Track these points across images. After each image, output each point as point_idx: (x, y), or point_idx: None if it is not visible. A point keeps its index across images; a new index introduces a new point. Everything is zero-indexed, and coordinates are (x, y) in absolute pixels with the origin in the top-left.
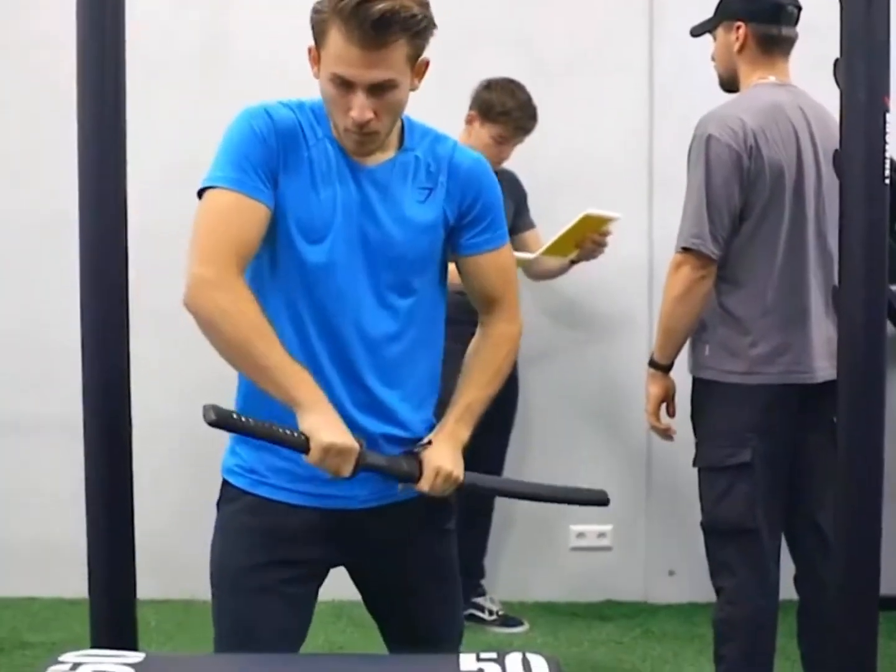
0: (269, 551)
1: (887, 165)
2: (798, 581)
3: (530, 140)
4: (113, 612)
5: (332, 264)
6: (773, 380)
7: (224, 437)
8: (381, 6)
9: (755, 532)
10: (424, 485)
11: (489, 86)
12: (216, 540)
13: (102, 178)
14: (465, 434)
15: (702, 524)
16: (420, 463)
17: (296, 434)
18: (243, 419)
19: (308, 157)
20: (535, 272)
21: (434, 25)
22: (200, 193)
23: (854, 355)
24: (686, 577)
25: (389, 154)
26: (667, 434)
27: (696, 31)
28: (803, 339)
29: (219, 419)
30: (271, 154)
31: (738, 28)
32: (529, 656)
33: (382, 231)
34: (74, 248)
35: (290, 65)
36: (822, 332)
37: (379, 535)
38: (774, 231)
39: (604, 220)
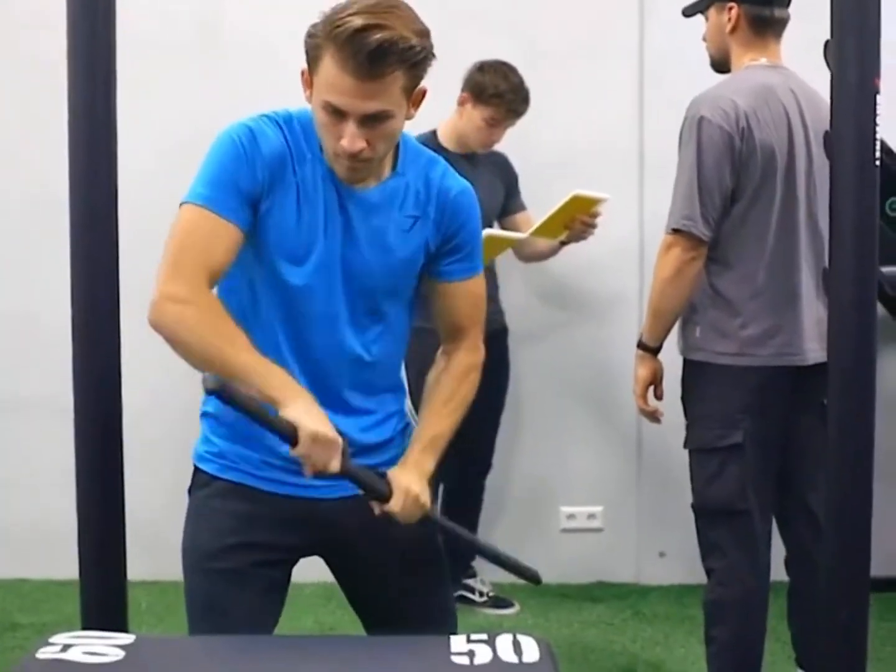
0: (239, 534)
1: (878, 147)
2: (789, 562)
3: (522, 123)
4: (103, 593)
5: (310, 287)
6: (763, 361)
7: None
8: (378, 36)
9: (746, 513)
10: (395, 505)
11: (482, 68)
12: (187, 524)
13: (93, 162)
14: (430, 465)
15: (693, 506)
16: (389, 484)
17: (285, 422)
18: (241, 393)
19: (295, 180)
20: (525, 254)
21: (433, 56)
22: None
23: (844, 337)
24: (677, 559)
25: (380, 178)
26: (654, 417)
27: (689, 12)
28: (794, 321)
29: (216, 387)
30: (254, 179)
31: (731, 9)
32: (520, 637)
33: (362, 257)
34: (66, 230)
35: (284, 49)
36: (813, 313)
37: (353, 524)
38: (765, 213)
39: (593, 201)
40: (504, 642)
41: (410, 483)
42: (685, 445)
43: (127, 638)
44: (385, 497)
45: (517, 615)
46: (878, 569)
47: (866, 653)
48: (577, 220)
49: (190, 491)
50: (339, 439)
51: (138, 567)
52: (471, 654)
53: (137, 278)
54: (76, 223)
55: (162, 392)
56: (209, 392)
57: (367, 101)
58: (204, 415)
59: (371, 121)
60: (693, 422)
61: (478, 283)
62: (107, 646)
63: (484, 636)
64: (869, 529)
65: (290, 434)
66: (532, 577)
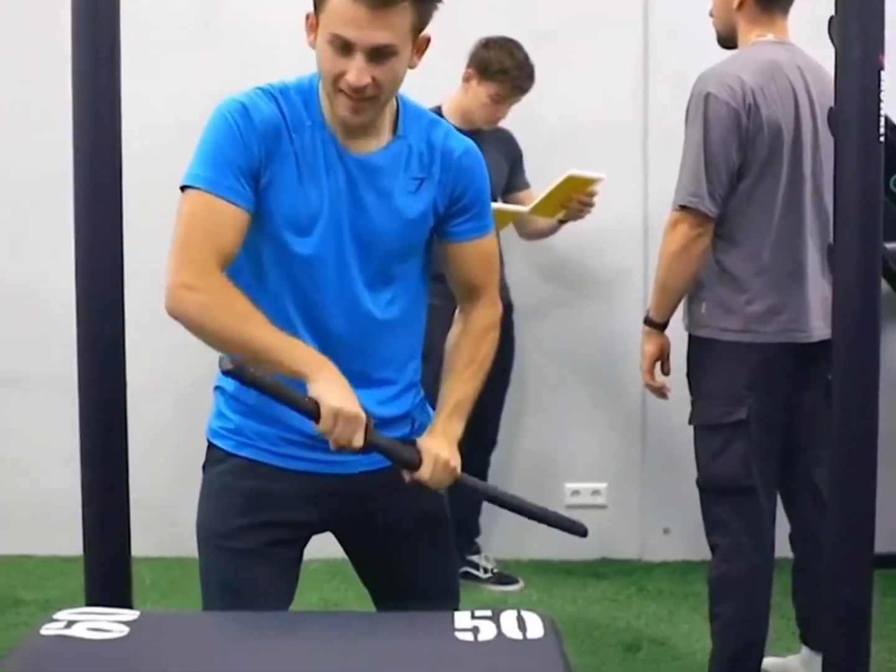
0: (254, 513)
1: (882, 123)
2: (793, 539)
3: (527, 99)
4: (108, 569)
5: (319, 256)
6: (769, 338)
7: None
8: None
9: (750, 490)
10: (425, 472)
11: (487, 44)
12: (202, 502)
13: (97, 139)
14: (457, 429)
15: (697, 482)
16: (418, 452)
17: (306, 399)
18: (258, 374)
19: (293, 149)
20: (526, 232)
21: (440, 0)
22: (183, 188)
23: (849, 313)
24: (681, 535)
25: (382, 142)
26: (661, 392)
27: None
28: (800, 298)
29: (234, 368)
30: (250, 154)
31: None
32: (524, 614)
33: (371, 222)
34: (70, 207)
35: (284, 28)
36: (819, 291)
37: (366, 499)
38: (771, 189)
39: (588, 181)
40: (508, 619)
41: (440, 450)
42: (690, 421)
43: (131, 614)
44: (415, 465)
45: (521, 591)
46: (881, 545)
47: (870, 629)
48: (573, 199)
49: (204, 467)
50: (362, 414)
51: (142, 543)
52: (475, 630)
53: (141, 256)
54: (80, 200)
55: (166, 370)
56: (226, 373)
57: (375, 31)
58: (218, 388)
59: (377, 56)
60: (698, 398)
61: (490, 242)
62: (111, 622)
63: (488, 612)
64: (873, 506)
65: (312, 411)
66: (578, 531)
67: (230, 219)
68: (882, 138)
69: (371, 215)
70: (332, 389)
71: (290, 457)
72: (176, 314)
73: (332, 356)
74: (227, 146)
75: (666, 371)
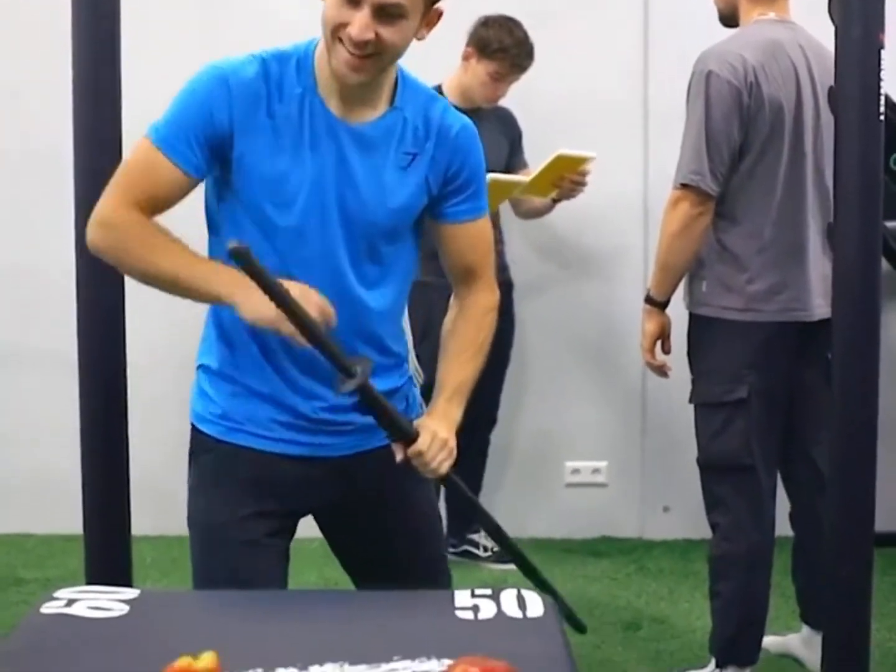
0: (251, 504)
1: (882, 102)
2: (793, 517)
3: (526, 78)
4: (108, 548)
5: (303, 227)
6: (770, 317)
7: None
8: None
9: (751, 468)
10: (422, 444)
11: (486, 23)
12: (194, 493)
13: (97, 114)
14: (457, 413)
15: (698, 460)
16: (415, 427)
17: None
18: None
19: (273, 118)
20: (522, 211)
21: None
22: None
23: (849, 292)
24: (681, 514)
25: (377, 112)
26: (662, 371)
27: None
28: (801, 277)
29: (239, 248)
30: (214, 124)
31: None
32: (524, 593)
33: (359, 195)
34: (71, 182)
35: (285, 4)
36: (820, 269)
37: (357, 481)
38: (773, 168)
39: (579, 160)
40: (508, 597)
41: (438, 429)
42: (690, 400)
43: (131, 592)
44: (412, 437)
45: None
46: (881, 524)
47: (870, 607)
48: (565, 178)
49: (191, 454)
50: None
51: (142, 522)
52: (475, 608)
53: None
54: (80, 178)
55: (165, 347)
56: (231, 254)
57: None
58: (201, 367)
59: (385, 14)
60: (699, 376)
61: (485, 224)
62: (111, 600)
63: (488, 591)
64: (873, 485)
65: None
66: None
67: (168, 177)
68: (882, 117)
69: (359, 188)
70: (248, 298)
71: (284, 441)
72: (92, 249)
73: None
74: (190, 111)
75: (666, 350)
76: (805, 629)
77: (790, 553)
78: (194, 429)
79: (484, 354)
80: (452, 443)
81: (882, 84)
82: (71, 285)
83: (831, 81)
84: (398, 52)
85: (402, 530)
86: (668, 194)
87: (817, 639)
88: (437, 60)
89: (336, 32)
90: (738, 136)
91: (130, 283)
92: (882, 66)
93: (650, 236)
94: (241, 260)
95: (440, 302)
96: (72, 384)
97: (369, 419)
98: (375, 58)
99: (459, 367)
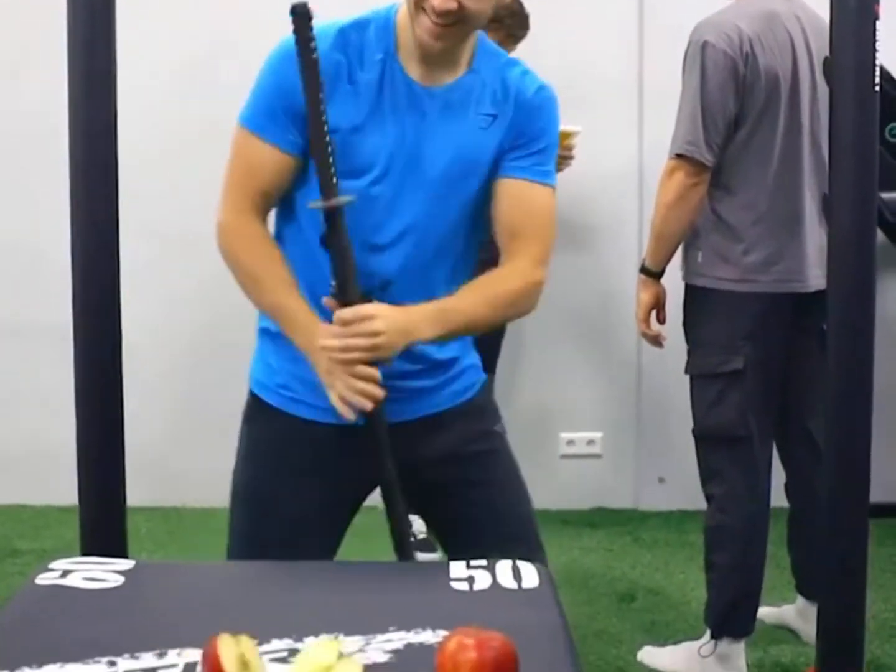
0: (309, 476)
1: (877, 73)
2: (789, 488)
3: (521, 51)
4: (103, 519)
5: (383, 191)
6: (766, 288)
7: (215, 345)
8: None
9: (746, 439)
10: (344, 314)
11: None
12: (245, 460)
13: (92, 85)
14: (424, 324)
15: (693, 431)
16: (365, 302)
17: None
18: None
19: (356, 85)
20: None
21: None
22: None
23: (844, 263)
24: (676, 485)
25: (456, 75)
26: (657, 341)
27: None
28: (797, 248)
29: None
30: (295, 98)
31: None
32: (519, 564)
33: (439, 157)
34: (66, 156)
35: None
36: (816, 240)
37: (417, 447)
38: (769, 139)
39: (565, 135)
40: (503, 568)
41: (384, 313)
42: (686, 371)
43: (126, 563)
44: (347, 301)
45: None
46: (877, 495)
47: (866, 579)
48: None
49: (247, 420)
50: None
51: (138, 493)
52: (470, 580)
53: (137, 206)
54: (76, 148)
55: (163, 320)
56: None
57: None
58: (263, 331)
59: None
60: (694, 347)
61: (545, 194)
62: (106, 571)
63: (483, 562)
64: (869, 455)
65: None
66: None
67: (270, 160)
68: (877, 88)
69: (439, 150)
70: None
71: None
72: (222, 255)
73: (384, 298)
74: (272, 90)
75: (661, 320)
76: (800, 600)
77: (785, 524)
78: (252, 394)
79: (494, 309)
80: (383, 339)
81: (877, 55)
82: (67, 257)
83: (827, 52)
84: (481, 19)
85: (471, 493)
86: (664, 165)
87: (813, 610)
88: None
89: (419, 2)
90: (733, 107)
91: (129, 256)
92: (878, 38)
93: (645, 208)
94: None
95: None
96: (68, 356)
97: (428, 383)
98: (458, 26)
99: (458, 297)
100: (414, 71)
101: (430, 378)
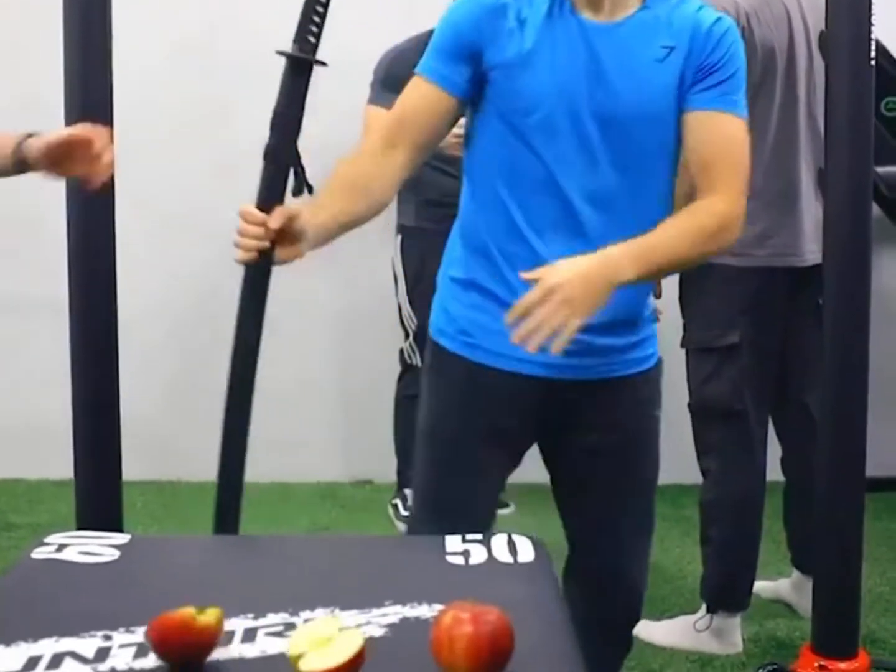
0: (486, 420)
1: (873, 47)
2: (785, 463)
3: None
4: (98, 493)
5: (556, 127)
6: (762, 262)
7: (212, 320)
8: None
9: (742, 413)
10: (532, 298)
11: None
12: (429, 403)
13: (88, 63)
14: (627, 267)
15: (689, 405)
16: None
17: None
18: None
19: (524, 23)
20: None
21: None
22: None
23: (840, 237)
24: (672, 459)
25: (628, 11)
26: (653, 315)
27: None
28: (793, 222)
29: None
30: (465, 40)
31: None
32: (515, 538)
33: (613, 92)
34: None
35: None
36: (813, 214)
37: (581, 409)
38: (765, 113)
39: None
40: (499, 542)
41: (561, 282)
42: (682, 345)
43: (122, 538)
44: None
45: (513, 516)
46: (872, 469)
47: (861, 552)
48: None
49: (429, 368)
50: None
51: (134, 467)
52: (466, 553)
53: (133, 177)
54: (72, 124)
55: (160, 295)
56: None
57: None
58: (447, 277)
59: None
60: (690, 321)
61: (735, 123)
62: (102, 545)
63: (479, 536)
64: (864, 430)
65: None
66: None
67: (426, 97)
68: (873, 63)
69: (613, 85)
70: None
71: (523, 360)
72: None
73: (569, 224)
74: (444, 34)
75: (657, 294)
76: (796, 574)
77: (781, 498)
78: (433, 343)
79: (695, 244)
80: (576, 305)
81: (873, 30)
82: (64, 230)
83: (824, 26)
84: None
85: (611, 471)
86: None
87: (808, 584)
88: (433, 8)
89: None
90: None
91: (125, 233)
92: (873, 12)
93: None
94: None
95: (434, 248)
96: (65, 331)
97: (612, 342)
98: None
99: (656, 231)
100: (584, 7)
101: (618, 336)
